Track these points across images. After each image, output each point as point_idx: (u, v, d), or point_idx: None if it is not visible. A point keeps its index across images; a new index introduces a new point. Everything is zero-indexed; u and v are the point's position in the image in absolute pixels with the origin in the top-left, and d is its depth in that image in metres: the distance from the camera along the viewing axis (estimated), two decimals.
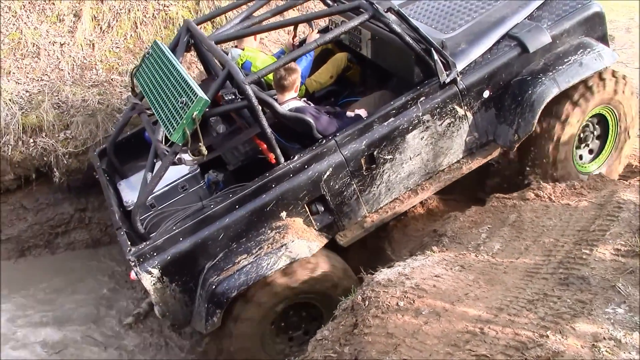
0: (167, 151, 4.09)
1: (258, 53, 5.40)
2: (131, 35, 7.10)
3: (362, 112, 4.76)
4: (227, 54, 5.53)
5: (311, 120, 4.35)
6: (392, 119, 4.48)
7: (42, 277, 6.49)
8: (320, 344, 3.50)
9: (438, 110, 4.60)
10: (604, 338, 2.88)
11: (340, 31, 4.49)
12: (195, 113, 3.84)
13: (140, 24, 7.12)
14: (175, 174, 4.58)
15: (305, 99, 4.85)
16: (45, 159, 6.40)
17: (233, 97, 4.72)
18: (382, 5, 4.41)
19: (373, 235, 5.29)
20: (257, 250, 4.16)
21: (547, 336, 2.92)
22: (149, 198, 4.47)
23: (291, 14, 6.58)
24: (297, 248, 4.17)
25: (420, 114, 4.53)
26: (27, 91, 6.63)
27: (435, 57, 4.47)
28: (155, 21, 7.15)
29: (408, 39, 4.43)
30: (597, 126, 5.24)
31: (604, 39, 5.05)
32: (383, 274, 3.74)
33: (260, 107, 4.13)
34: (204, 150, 3.96)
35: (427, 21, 5.22)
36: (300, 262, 4.28)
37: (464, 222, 4.61)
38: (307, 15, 5.00)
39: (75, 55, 6.92)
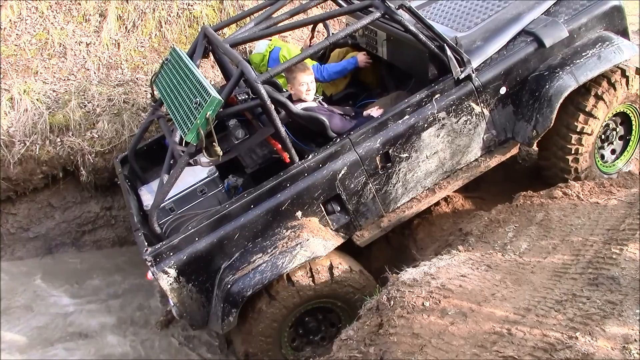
0: (183, 152, 4.12)
1: (286, 43, 5.41)
2: (156, 34, 7.16)
3: (375, 112, 4.74)
4: (254, 50, 5.57)
5: (325, 119, 4.35)
6: (407, 116, 4.44)
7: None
8: (345, 344, 3.49)
9: (454, 107, 4.55)
10: (635, 340, 2.82)
11: (352, 29, 4.46)
12: (208, 113, 3.87)
13: (165, 23, 7.17)
14: (193, 178, 4.61)
15: (321, 99, 4.84)
16: (72, 157, 6.48)
17: (246, 96, 4.75)
18: (394, 3, 4.38)
19: (398, 234, 5.28)
20: (273, 249, 4.16)
21: (577, 337, 2.87)
22: (168, 202, 4.50)
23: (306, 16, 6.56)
24: (312, 246, 4.15)
25: (436, 111, 4.49)
26: (54, 91, 6.72)
27: (449, 53, 4.43)
28: (179, 20, 7.20)
29: (421, 35, 4.39)
30: (620, 126, 5.16)
31: (624, 32, 4.94)
32: (408, 274, 3.72)
33: (272, 106, 4.12)
34: (219, 151, 3.99)
35: (443, 21, 5.19)
36: (320, 264, 4.29)
37: (490, 220, 4.56)
38: (321, 15, 4.98)
39: (101, 55, 6.99)
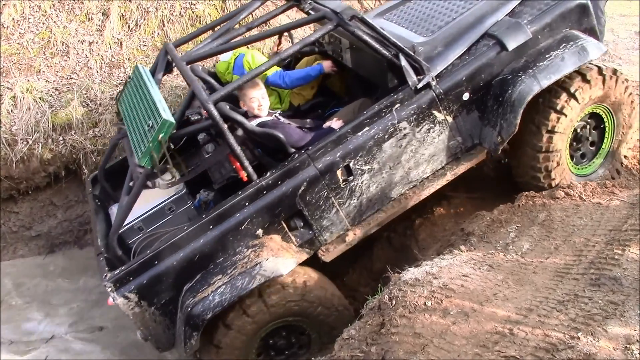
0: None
1: (251, 50, 5.36)
2: (158, 33, 7.16)
3: (336, 124, 4.65)
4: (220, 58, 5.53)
5: (281, 135, 4.26)
6: (366, 128, 4.33)
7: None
8: (347, 343, 3.49)
9: (415, 116, 4.42)
10: (637, 340, 2.82)
11: (303, 43, 4.40)
12: (160, 135, 3.81)
13: (168, 22, 7.17)
14: (161, 196, 4.56)
15: (278, 113, 4.73)
16: (74, 156, 6.49)
17: (198, 117, 4.69)
18: (346, 14, 4.24)
19: (399, 234, 5.28)
20: (232, 270, 4.08)
21: (578, 338, 2.87)
22: (137, 221, 4.48)
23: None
24: (271, 267, 4.04)
25: (396, 121, 4.37)
26: (56, 89, 6.73)
27: (403, 62, 4.31)
28: (182, 19, 7.20)
29: (376, 45, 4.30)
30: (592, 127, 4.98)
31: (591, 31, 4.77)
32: (410, 273, 3.72)
33: (225, 126, 4.05)
34: (175, 173, 3.98)
35: (409, 25, 5.07)
36: (282, 282, 4.20)
37: (492, 220, 4.56)
38: (278, 28, 4.92)
39: (104, 54, 7.00)
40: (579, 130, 4.89)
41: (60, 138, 6.46)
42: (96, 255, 4.43)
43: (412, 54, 4.38)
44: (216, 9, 7.28)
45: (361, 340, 3.44)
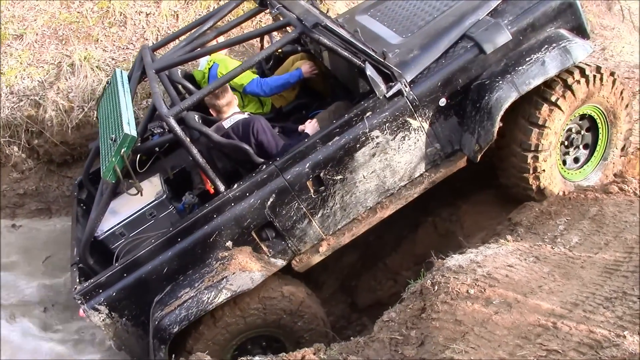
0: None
1: (226, 58, 5.28)
2: (214, 7, 7.19)
3: (309, 128, 4.55)
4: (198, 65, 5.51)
5: (247, 147, 4.20)
6: (336, 138, 4.18)
7: None
8: (387, 325, 3.52)
9: (388, 124, 4.23)
10: None
11: (267, 52, 4.36)
12: (123, 150, 3.79)
13: None
14: (141, 202, 4.51)
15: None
16: None
17: (161, 130, 4.69)
18: (309, 21, 4.02)
19: (445, 219, 5.25)
20: (199, 283, 4.05)
21: (624, 336, 2.82)
22: (118, 227, 4.48)
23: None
24: (238, 281, 3.99)
25: (367, 130, 4.19)
26: (113, 59, 6.85)
27: (369, 71, 4.08)
28: None
29: (343, 52, 4.10)
30: (585, 129, 4.71)
31: (579, 29, 4.45)
32: (454, 260, 3.71)
33: (187, 140, 4.03)
34: (139, 187, 4.01)
35: (390, 23, 4.83)
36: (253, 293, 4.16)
37: (541, 212, 4.48)
38: (243, 36, 4.83)
39: (160, 26, 7.08)
40: (570, 133, 4.65)
41: None
42: (70, 266, 4.47)
43: (382, 60, 4.17)
44: None
45: (401, 323, 3.45)
